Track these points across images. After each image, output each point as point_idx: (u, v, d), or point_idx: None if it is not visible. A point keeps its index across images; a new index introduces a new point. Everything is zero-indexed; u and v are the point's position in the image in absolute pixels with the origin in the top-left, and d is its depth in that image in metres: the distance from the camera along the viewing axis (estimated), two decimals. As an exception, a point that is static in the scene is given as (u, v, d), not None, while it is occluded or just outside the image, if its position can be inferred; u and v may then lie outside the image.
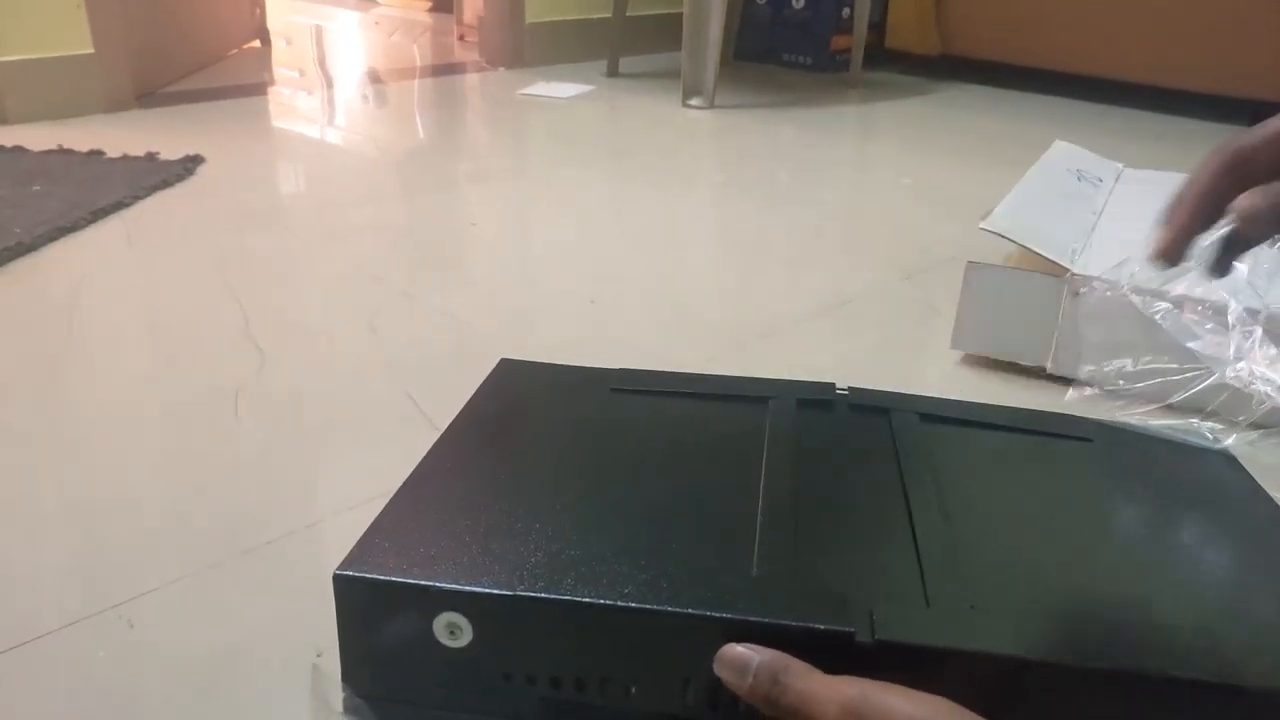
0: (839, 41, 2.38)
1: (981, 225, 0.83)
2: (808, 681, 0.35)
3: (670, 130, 1.82)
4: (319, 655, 0.50)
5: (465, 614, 0.39)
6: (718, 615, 0.37)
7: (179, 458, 0.68)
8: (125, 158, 1.40)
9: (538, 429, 0.55)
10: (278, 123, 1.80)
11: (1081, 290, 0.79)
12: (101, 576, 0.55)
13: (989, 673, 0.36)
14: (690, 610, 0.37)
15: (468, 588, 0.39)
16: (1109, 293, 0.77)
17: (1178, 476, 0.51)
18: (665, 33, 2.28)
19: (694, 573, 0.40)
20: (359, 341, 0.87)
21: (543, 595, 0.38)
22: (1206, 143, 1.84)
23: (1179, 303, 0.74)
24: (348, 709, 0.42)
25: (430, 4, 3.47)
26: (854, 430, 0.53)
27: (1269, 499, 0.48)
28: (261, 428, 0.72)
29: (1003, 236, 0.82)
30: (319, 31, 3.06)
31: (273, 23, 2.62)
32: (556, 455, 0.52)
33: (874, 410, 0.54)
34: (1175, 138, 1.85)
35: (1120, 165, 1.13)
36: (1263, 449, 0.66)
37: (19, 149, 1.43)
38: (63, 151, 1.43)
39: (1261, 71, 1.87)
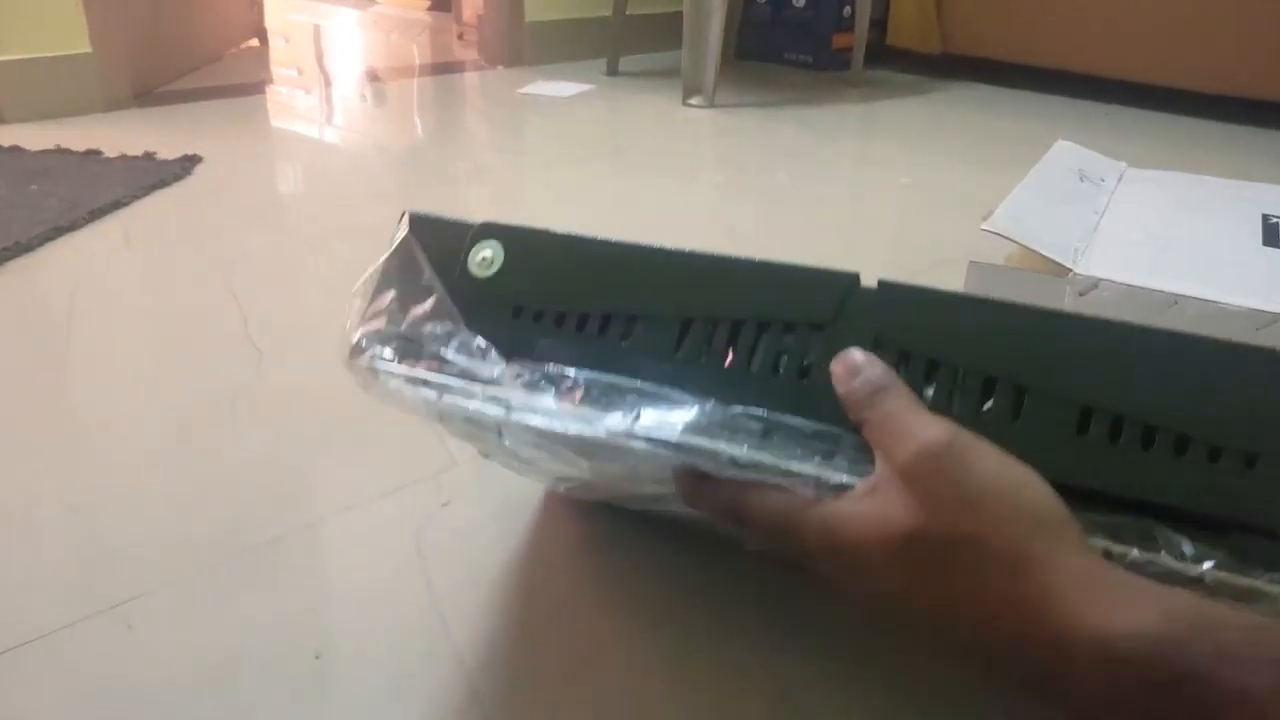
0: (840, 40, 2.38)
1: (983, 225, 0.82)
2: (902, 407, 0.34)
3: (670, 129, 1.81)
4: (317, 657, 0.50)
5: (502, 242, 0.44)
6: (734, 257, 0.41)
7: (177, 458, 0.68)
8: (123, 157, 1.40)
9: None
10: (276, 122, 1.80)
11: (1084, 291, 0.78)
12: (99, 577, 0.55)
13: (984, 318, 0.38)
14: (704, 253, 0.41)
15: (509, 223, 0.45)
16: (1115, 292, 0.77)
17: None
18: (665, 31, 2.27)
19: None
20: (358, 341, 0.87)
21: (574, 234, 0.44)
22: (1208, 142, 1.84)
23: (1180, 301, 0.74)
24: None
25: (429, 2, 3.46)
26: None
27: None
28: (260, 427, 0.72)
29: (1004, 237, 0.81)
30: (317, 30, 3.06)
31: (271, 21, 2.62)
32: None
33: None
34: (1178, 137, 1.84)
35: (1123, 165, 1.13)
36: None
37: (16, 149, 1.43)
38: (60, 151, 1.42)
39: (1262, 71, 1.87)
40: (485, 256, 0.44)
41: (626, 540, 0.60)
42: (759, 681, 0.49)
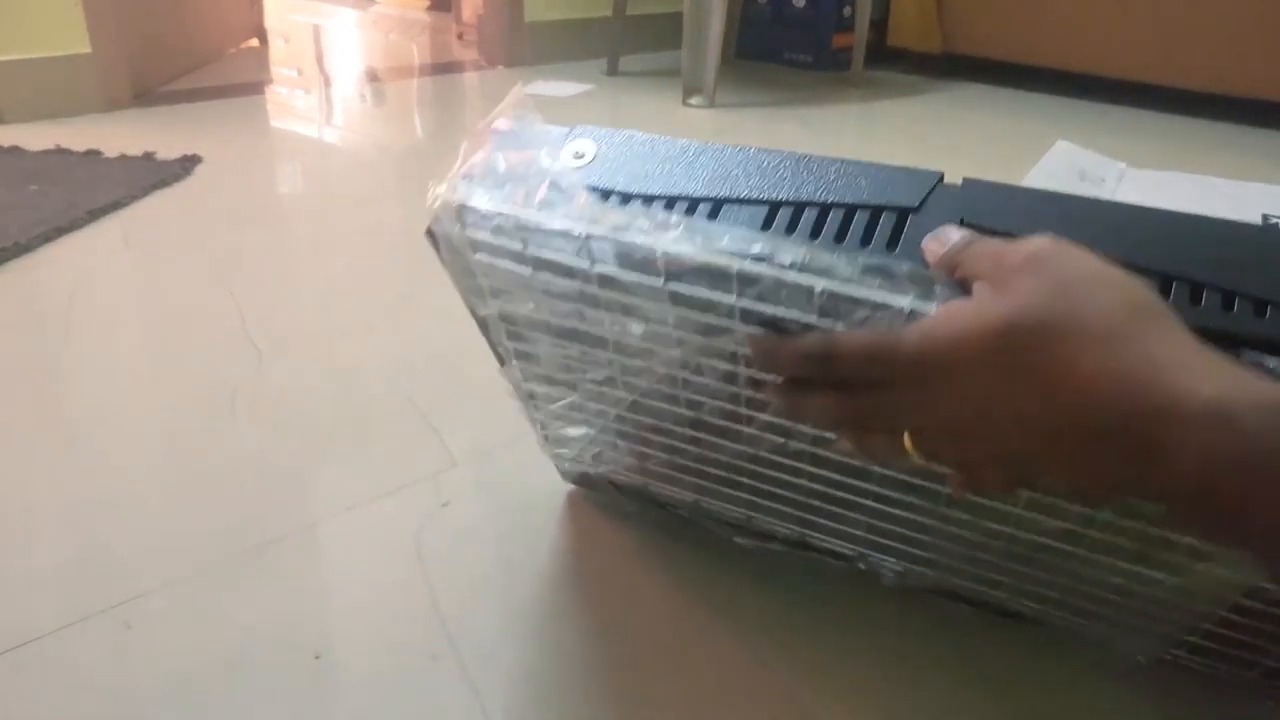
0: (840, 40, 2.38)
1: (984, 224, 0.82)
2: (997, 242, 0.34)
3: (671, 129, 1.81)
4: (317, 657, 0.50)
5: (595, 141, 0.47)
6: (822, 156, 0.43)
7: (176, 458, 0.68)
8: (123, 157, 1.40)
9: None
10: (276, 122, 1.80)
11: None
12: (98, 578, 0.55)
13: (1064, 207, 0.39)
14: (794, 152, 0.43)
15: (603, 128, 0.47)
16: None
17: None
18: (665, 31, 2.27)
19: None
20: (358, 341, 0.87)
21: (662, 137, 0.46)
22: (1208, 142, 1.83)
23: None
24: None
25: (429, 2, 3.46)
26: None
27: None
28: (259, 428, 0.72)
29: (1005, 236, 0.81)
30: (317, 30, 3.05)
31: (271, 21, 2.62)
32: None
33: None
34: (1178, 137, 1.84)
35: (1123, 165, 1.13)
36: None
37: (16, 149, 1.43)
38: (60, 151, 1.42)
39: (1262, 71, 1.87)
40: (580, 150, 0.46)
41: (627, 540, 0.60)
42: (763, 685, 0.49)
